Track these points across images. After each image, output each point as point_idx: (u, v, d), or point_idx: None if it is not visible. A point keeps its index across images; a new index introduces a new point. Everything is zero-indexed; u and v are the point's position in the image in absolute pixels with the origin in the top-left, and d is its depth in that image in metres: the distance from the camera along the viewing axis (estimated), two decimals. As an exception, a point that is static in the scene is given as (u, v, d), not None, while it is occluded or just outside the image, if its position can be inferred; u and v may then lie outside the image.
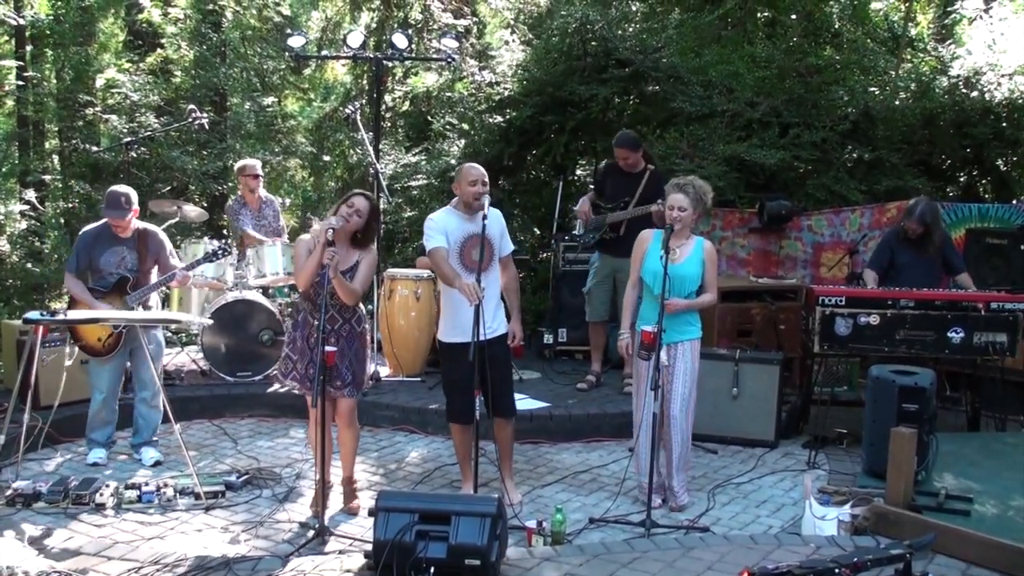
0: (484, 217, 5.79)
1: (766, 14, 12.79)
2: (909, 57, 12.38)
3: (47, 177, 13.73)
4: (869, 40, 12.43)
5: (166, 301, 8.81)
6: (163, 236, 7.04)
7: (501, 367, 6.08)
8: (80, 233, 6.97)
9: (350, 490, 6.12)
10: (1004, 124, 10.41)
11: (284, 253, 8.58)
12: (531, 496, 6.38)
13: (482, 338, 5.68)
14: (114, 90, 13.65)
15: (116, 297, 6.72)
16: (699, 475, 6.77)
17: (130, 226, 6.79)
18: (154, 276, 6.92)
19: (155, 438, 7.04)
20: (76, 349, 6.87)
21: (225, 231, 13.08)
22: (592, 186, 8.86)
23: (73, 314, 6.43)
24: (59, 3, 13.72)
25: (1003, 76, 10.73)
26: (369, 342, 6.15)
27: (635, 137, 8.37)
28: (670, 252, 5.86)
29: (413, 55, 11.17)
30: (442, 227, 5.97)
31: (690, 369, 6.09)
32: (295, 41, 9.49)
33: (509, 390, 6.26)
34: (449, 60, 10.24)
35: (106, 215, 6.71)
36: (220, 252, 7.25)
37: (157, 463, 6.85)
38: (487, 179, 5.96)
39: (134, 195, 6.81)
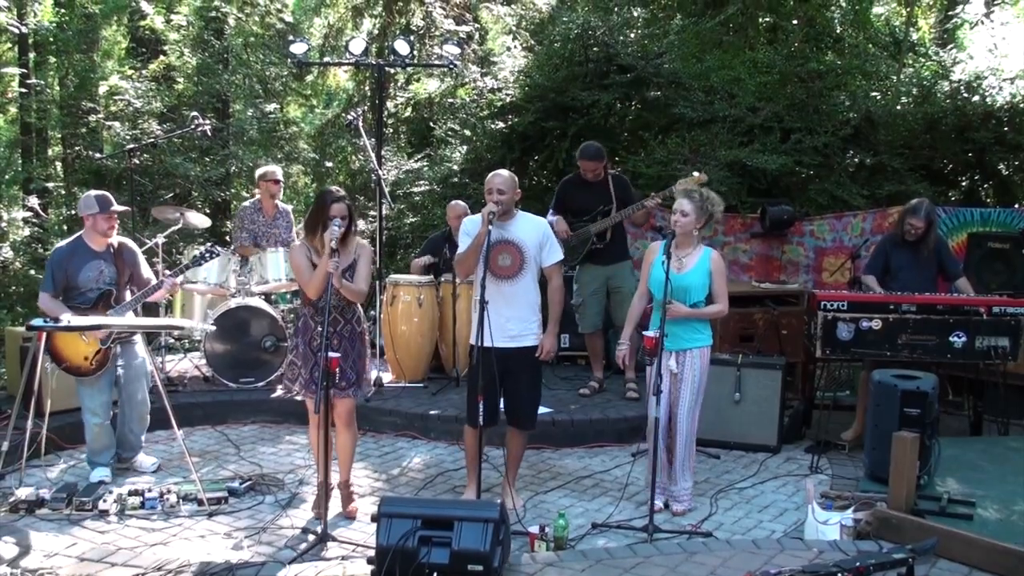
0: (490, 223, 5.78)
1: (767, 19, 12.82)
2: (911, 62, 12.40)
3: (50, 184, 13.77)
4: (871, 45, 12.46)
5: (169, 307, 8.82)
6: (135, 246, 6.85)
7: (522, 377, 6.03)
8: (53, 250, 6.72)
9: (347, 494, 6.13)
10: (1006, 128, 10.42)
11: (286, 259, 8.59)
12: (534, 501, 6.37)
13: (499, 345, 5.68)
14: (117, 97, 13.69)
15: (99, 313, 6.49)
16: (702, 480, 6.76)
17: (116, 227, 6.67)
18: (128, 291, 6.73)
19: (143, 442, 7.00)
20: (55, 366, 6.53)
21: (229, 237, 13.11)
22: (552, 208, 8.67)
23: (76, 321, 6.35)
24: (63, 10, 13.76)
25: (1005, 80, 10.75)
26: (368, 342, 6.17)
27: (599, 147, 8.36)
28: (674, 260, 5.87)
29: (415, 61, 11.20)
30: (471, 231, 5.98)
31: (698, 376, 6.11)
32: (297, 48, 9.51)
33: (529, 402, 6.19)
34: (451, 66, 10.25)
35: (104, 215, 6.49)
36: (209, 254, 7.14)
37: (159, 468, 6.84)
38: (507, 187, 5.92)
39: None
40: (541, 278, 6.15)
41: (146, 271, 6.87)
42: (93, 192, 6.66)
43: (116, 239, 6.71)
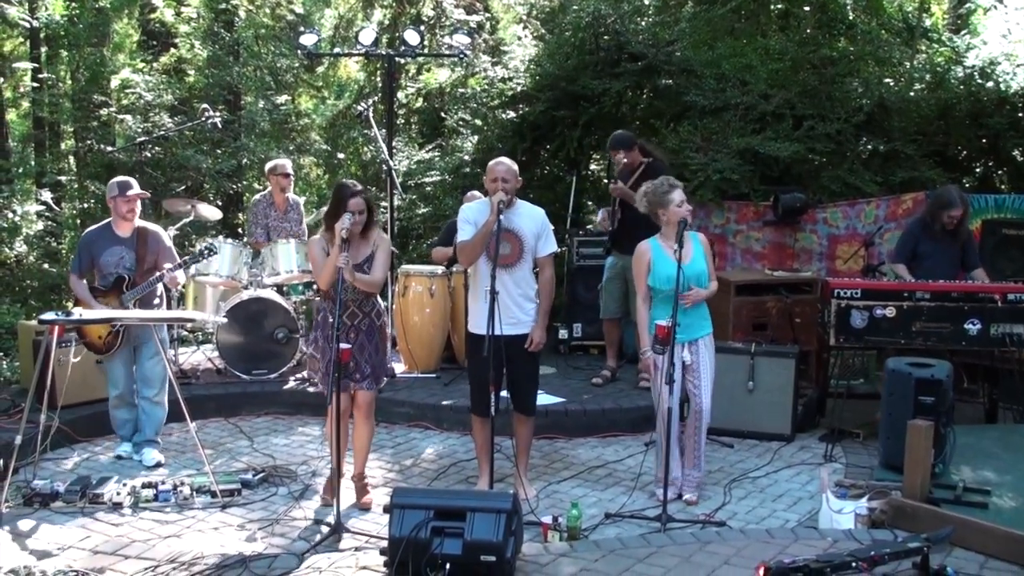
0: (500, 213, 5.78)
1: (779, 6, 12.73)
2: (924, 48, 12.30)
3: (63, 178, 13.79)
4: (883, 31, 12.35)
5: (181, 300, 8.83)
6: (163, 235, 7.14)
7: (522, 364, 6.07)
8: (82, 234, 7.14)
9: (362, 486, 6.14)
10: (1020, 114, 10.32)
11: (298, 251, 8.59)
12: (547, 491, 6.37)
13: (501, 333, 5.68)
14: (128, 90, 13.71)
15: (114, 296, 6.82)
16: (715, 469, 6.76)
17: (137, 209, 6.94)
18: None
19: (158, 438, 7.06)
20: (82, 348, 7.00)
21: (241, 229, 13.13)
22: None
23: (88, 314, 6.45)
24: (73, 4, 13.77)
25: (1019, 66, 10.65)
26: (388, 335, 6.17)
27: (626, 136, 8.29)
28: (675, 252, 5.87)
29: (426, 51, 11.18)
30: (473, 218, 6.01)
31: (712, 363, 6.15)
32: (308, 39, 9.50)
33: (530, 388, 6.25)
34: (461, 56, 10.23)
35: (123, 198, 6.82)
36: (206, 251, 7.43)
37: (158, 464, 6.85)
38: (510, 176, 5.94)
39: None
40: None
41: (171, 258, 7.07)
42: (117, 178, 7.03)
43: (141, 224, 7.01)
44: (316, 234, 6.14)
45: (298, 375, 8.45)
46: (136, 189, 6.92)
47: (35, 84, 13.70)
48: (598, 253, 9.15)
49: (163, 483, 6.14)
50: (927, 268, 7.33)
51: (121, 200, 6.83)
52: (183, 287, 8.43)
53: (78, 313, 6.37)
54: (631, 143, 8.20)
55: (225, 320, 8.18)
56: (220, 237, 8.84)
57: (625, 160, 8.13)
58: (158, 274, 6.90)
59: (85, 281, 6.94)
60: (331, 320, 5.83)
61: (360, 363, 5.90)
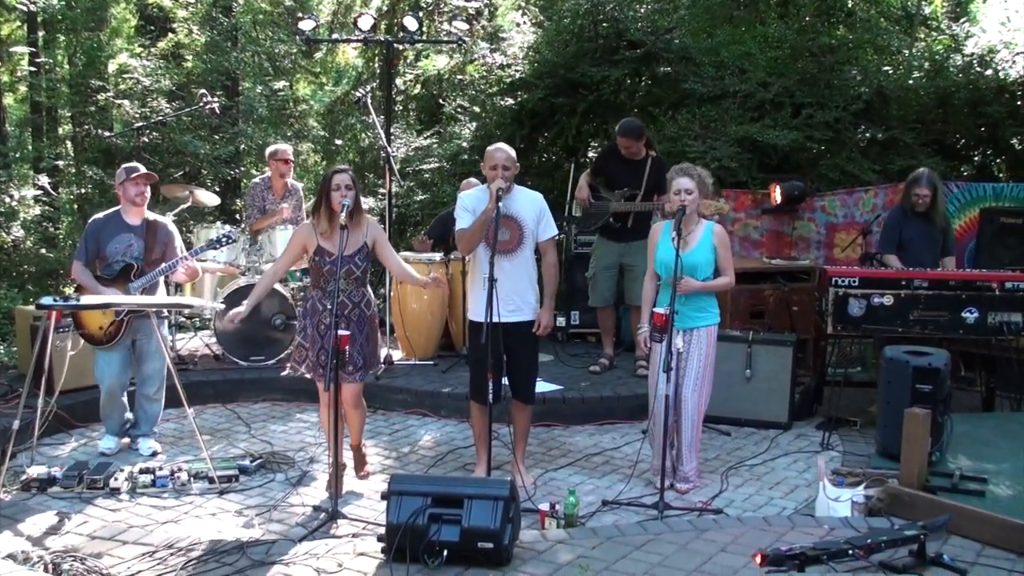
0: (498, 200, 5.77)
1: (778, -7, 12.73)
2: (923, 36, 12.30)
3: (60, 163, 13.77)
4: (882, 19, 12.37)
5: (179, 286, 8.80)
6: (173, 228, 7.02)
7: (522, 352, 6.06)
8: (89, 221, 6.95)
9: (360, 456, 6.19)
10: (1019, 102, 10.34)
11: (296, 237, 8.58)
12: (544, 479, 6.37)
13: (502, 320, 5.67)
14: (126, 75, 13.68)
15: (120, 284, 6.66)
16: (712, 457, 6.76)
17: (147, 193, 6.81)
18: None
19: (155, 430, 7.03)
20: (78, 340, 6.80)
21: (238, 215, 13.12)
22: (589, 171, 8.68)
23: (85, 299, 6.40)
24: (71, -12, 13.74)
25: (1017, 54, 10.66)
26: (377, 323, 6.16)
27: (639, 125, 8.28)
28: (680, 237, 5.86)
29: (424, 38, 11.15)
30: (472, 206, 5.99)
31: (704, 355, 6.08)
32: (306, 24, 9.46)
33: (530, 376, 6.24)
34: (460, 42, 10.20)
35: (131, 181, 6.69)
36: (225, 239, 7.27)
37: (155, 454, 6.81)
38: (509, 163, 5.91)
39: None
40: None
41: (180, 251, 6.95)
42: (124, 165, 6.90)
43: (152, 216, 6.90)
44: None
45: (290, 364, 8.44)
46: (142, 170, 6.79)
47: (32, 68, 13.67)
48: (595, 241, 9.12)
49: (161, 469, 6.13)
50: (912, 254, 7.36)
51: (130, 183, 6.69)
52: (189, 278, 8.41)
53: (76, 298, 6.31)
54: (642, 133, 8.19)
55: (222, 306, 8.16)
56: (218, 223, 8.80)
57: (632, 150, 8.13)
58: (172, 261, 6.76)
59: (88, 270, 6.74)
60: (321, 309, 5.84)
61: (352, 354, 5.86)
